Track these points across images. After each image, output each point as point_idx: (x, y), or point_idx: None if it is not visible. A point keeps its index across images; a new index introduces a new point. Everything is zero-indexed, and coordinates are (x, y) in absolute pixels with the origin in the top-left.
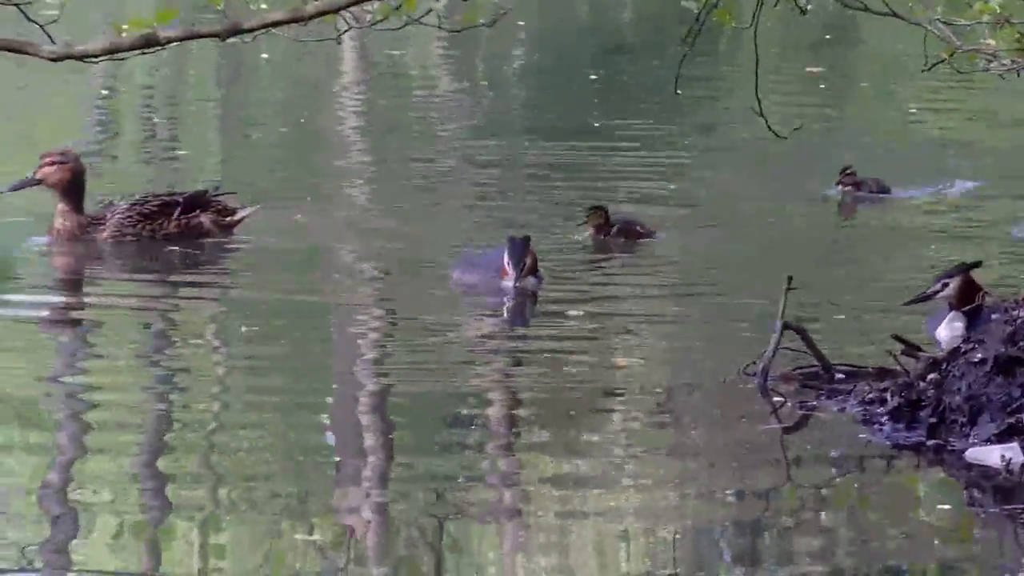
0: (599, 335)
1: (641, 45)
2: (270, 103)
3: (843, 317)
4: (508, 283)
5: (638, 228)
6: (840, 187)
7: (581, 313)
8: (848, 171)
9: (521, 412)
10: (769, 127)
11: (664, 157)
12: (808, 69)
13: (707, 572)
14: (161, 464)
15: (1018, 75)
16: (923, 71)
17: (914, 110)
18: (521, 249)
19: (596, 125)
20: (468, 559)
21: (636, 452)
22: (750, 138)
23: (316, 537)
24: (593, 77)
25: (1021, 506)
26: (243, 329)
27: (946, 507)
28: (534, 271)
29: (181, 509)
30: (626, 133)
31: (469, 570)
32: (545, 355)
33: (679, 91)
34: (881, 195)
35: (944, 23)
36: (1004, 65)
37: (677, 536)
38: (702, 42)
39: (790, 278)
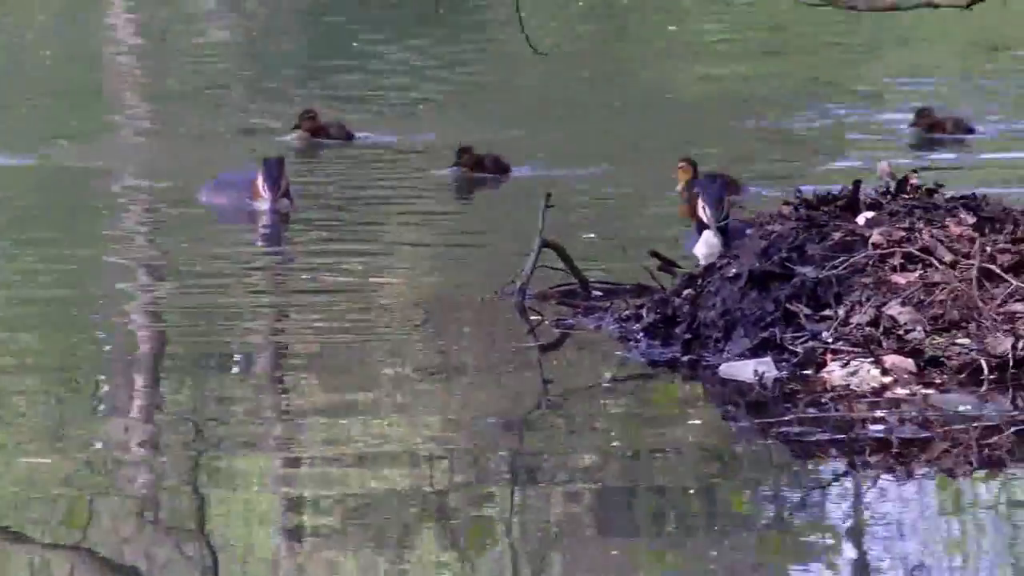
0: (356, 257)
1: None
2: (36, 63)
3: (593, 236)
4: (262, 205)
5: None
6: (298, 131)
7: (333, 235)
8: (309, 114)
9: (283, 341)
10: (530, 44)
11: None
12: None
13: (472, 491)
14: None
15: None
16: None
17: (673, 28)
18: (276, 170)
19: (354, 45)
20: (229, 488)
21: (398, 374)
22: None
23: (72, 467)
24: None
25: (774, 420)
26: None
27: (699, 422)
28: (287, 193)
29: None
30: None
31: (230, 501)
32: (303, 279)
33: (440, 9)
34: (347, 140)
35: None
36: None
37: (440, 455)
38: None
39: (548, 195)
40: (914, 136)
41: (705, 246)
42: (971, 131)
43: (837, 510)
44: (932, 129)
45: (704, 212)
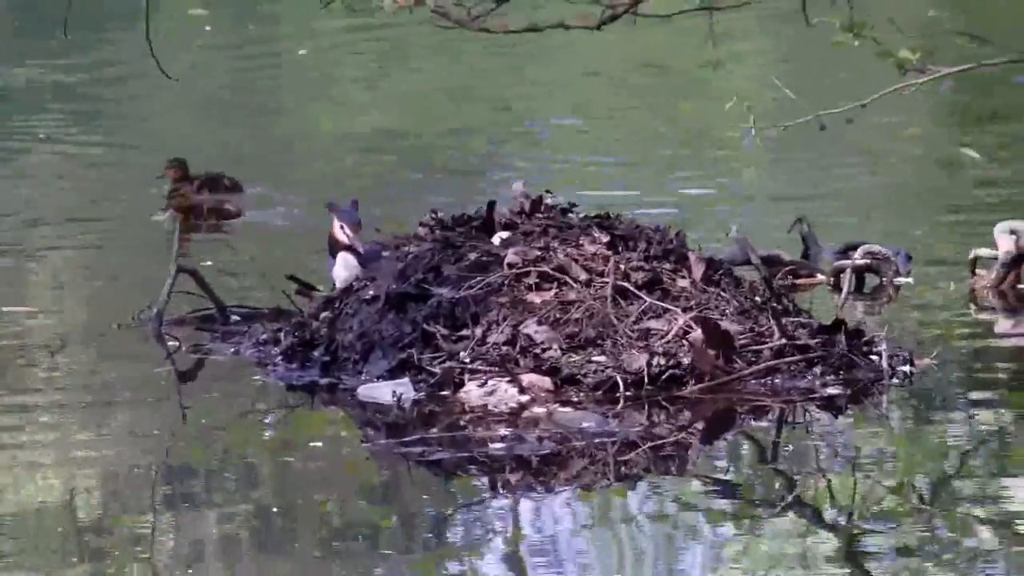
0: None
1: None
2: None
3: (241, 259)
4: None
5: None
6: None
7: None
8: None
9: None
10: (161, 70)
11: None
12: (192, 11)
13: (124, 522)
14: None
15: (411, 12)
16: (320, 8)
17: (303, 52)
18: None
19: None
20: None
21: (34, 405)
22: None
23: None
24: None
25: (413, 438)
26: None
27: (339, 444)
28: None
29: None
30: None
31: None
32: None
33: (67, 35)
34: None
35: None
36: (396, 2)
37: (88, 486)
38: None
39: (176, 220)
40: None
41: (343, 268)
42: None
43: (479, 528)
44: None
45: (344, 233)
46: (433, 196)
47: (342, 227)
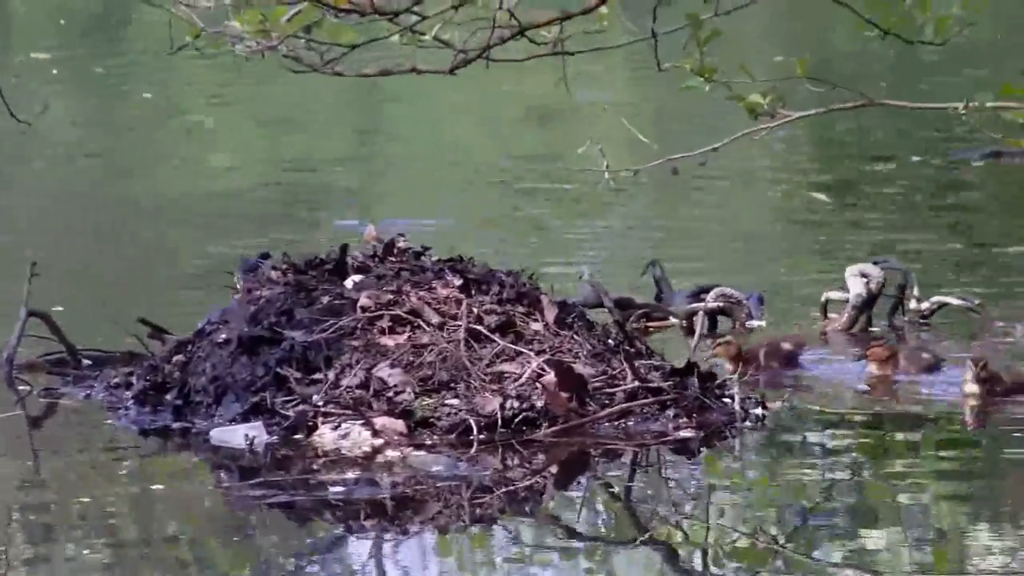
0: None
1: None
2: None
3: (95, 303)
4: None
5: None
6: None
7: None
8: None
9: None
10: (12, 113)
11: None
12: (35, 55)
13: None
14: None
15: (263, 56)
16: (169, 53)
17: (150, 96)
18: None
19: None
20: None
21: None
22: None
23: None
24: None
25: (258, 481)
26: None
27: (191, 489)
28: None
29: None
30: None
31: None
32: None
33: None
34: None
35: (186, 5)
36: (249, 47)
37: None
38: None
39: (33, 264)
40: None
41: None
42: None
43: (334, 571)
44: None
45: None
46: (285, 234)
47: None
